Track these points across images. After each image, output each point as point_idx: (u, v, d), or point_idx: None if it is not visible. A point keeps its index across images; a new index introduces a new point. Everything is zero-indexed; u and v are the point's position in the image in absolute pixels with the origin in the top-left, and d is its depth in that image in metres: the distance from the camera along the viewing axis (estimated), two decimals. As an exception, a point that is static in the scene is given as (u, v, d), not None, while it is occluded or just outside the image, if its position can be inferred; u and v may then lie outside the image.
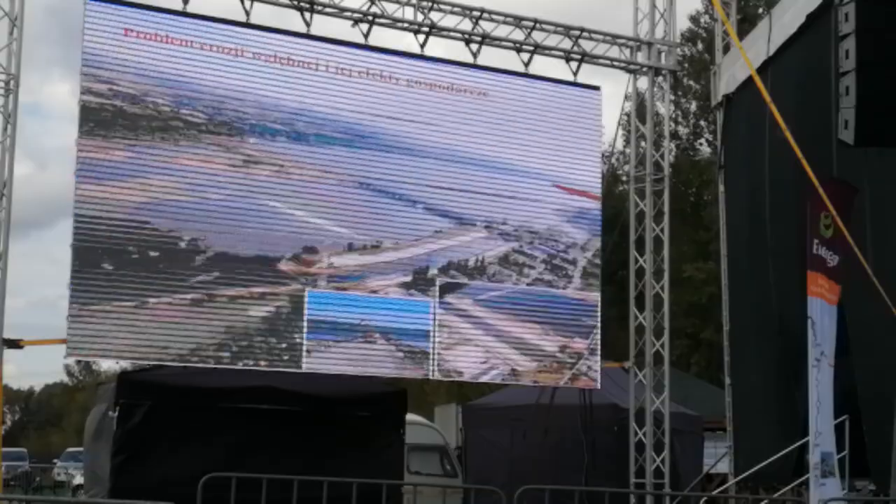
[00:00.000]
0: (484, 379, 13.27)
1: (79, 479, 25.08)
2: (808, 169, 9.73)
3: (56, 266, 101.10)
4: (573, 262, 13.45)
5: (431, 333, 12.56)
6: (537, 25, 13.51)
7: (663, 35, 14.37)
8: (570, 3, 60.92)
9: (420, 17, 12.93)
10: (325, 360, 11.97)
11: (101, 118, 11.16)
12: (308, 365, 11.88)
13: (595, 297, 13.52)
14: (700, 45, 34.93)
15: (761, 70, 13.20)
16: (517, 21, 13.45)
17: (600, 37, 14.02)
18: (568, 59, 13.84)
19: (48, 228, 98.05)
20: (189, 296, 11.36)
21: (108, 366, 50.92)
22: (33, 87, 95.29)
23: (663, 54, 14.43)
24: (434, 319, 12.59)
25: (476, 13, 13.21)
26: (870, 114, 8.42)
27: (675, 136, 34.23)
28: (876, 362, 10.79)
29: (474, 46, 13.31)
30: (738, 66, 14.85)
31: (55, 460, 36.10)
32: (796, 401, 12.28)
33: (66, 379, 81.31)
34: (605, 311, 13.65)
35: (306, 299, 11.92)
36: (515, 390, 15.88)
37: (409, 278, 12.52)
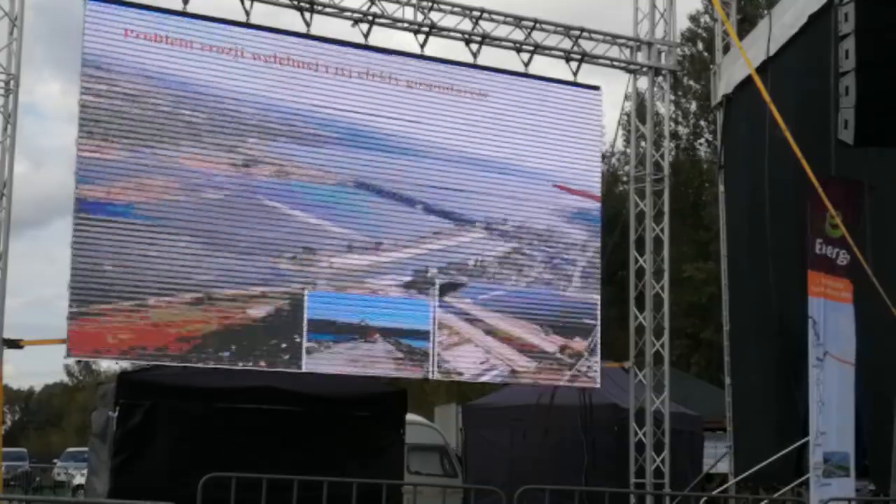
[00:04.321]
0: (484, 379, 13.27)
1: (79, 479, 25.08)
2: (808, 169, 9.73)
3: (53, 266, 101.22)
4: (573, 263, 13.44)
5: (431, 333, 12.56)
6: (537, 25, 13.50)
7: (663, 35, 14.36)
8: (569, 3, 60.95)
9: (420, 17, 12.92)
10: (325, 360, 11.97)
11: (100, 118, 11.16)
12: (308, 365, 11.88)
13: (595, 297, 13.51)
14: (700, 45, 34.94)
15: (761, 70, 13.18)
16: (517, 21, 13.44)
17: (600, 37, 14.01)
18: (568, 59, 13.84)
19: (44, 228, 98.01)
20: (189, 296, 11.37)
21: (107, 366, 50.87)
22: (29, 87, 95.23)
23: (663, 54, 14.42)
24: (434, 319, 12.58)
25: (476, 13, 13.19)
26: (870, 114, 8.44)
27: (675, 136, 34.25)
28: (876, 362, 10.78)
29: (474, 46, 13.30)
30: (738, 66, 14.85)
31: (55, 460, 36.03)
32: (796, 401, 12.26)
33: (66, 379, 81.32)
34: (605, 311, 13.64)
35: (306, 299, 11.92)
36: (515, 390, 15.87)
37: (408, 278, 12.52)
